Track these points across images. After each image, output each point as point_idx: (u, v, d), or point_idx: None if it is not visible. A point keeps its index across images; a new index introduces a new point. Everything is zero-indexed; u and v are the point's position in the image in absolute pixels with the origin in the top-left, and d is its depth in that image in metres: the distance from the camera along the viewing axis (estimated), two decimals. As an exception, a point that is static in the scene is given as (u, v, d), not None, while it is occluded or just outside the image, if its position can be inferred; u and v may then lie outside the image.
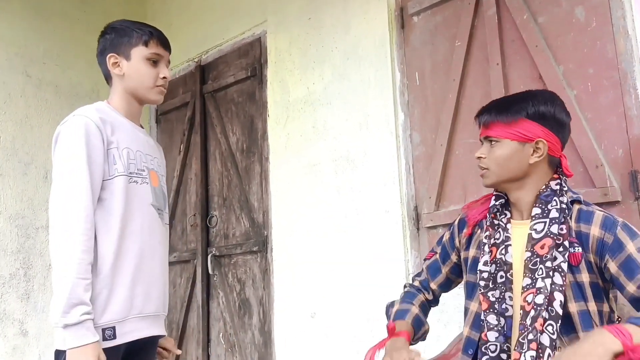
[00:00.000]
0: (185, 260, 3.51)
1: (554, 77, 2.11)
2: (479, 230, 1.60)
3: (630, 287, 1.36)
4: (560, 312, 1.39)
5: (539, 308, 1.40)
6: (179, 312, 3.48)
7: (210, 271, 3.37)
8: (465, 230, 1.65)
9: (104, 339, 1.52)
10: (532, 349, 1.38)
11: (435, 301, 1.76)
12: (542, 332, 1.39)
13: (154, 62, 1.73)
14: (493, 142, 1.52)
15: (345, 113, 2.77)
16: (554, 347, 1.38)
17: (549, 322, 1.39)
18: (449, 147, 2.40)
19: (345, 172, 2.73)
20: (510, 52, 2.26)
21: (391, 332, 1.64)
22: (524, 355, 1.38)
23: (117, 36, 1.72)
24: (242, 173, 3.35)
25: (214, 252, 3.38)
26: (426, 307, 1.74)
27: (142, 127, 1.78)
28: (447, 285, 1.74)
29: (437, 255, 1.74)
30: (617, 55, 2.00)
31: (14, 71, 3.42)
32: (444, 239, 1.73)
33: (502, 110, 1.52)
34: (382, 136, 2.60)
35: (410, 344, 1.61)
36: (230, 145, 3.43)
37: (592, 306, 1.42)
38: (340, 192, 2.74)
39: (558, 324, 1.39)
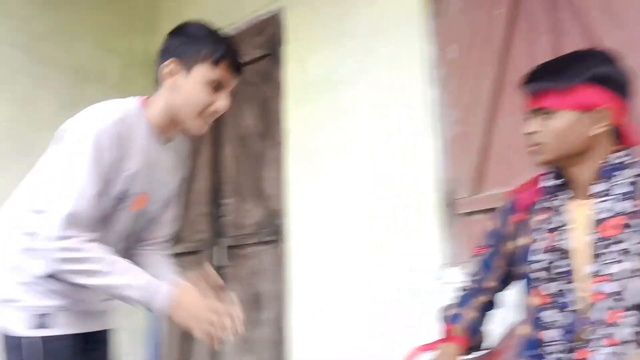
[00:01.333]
0: (194, 251, 3.34)
1: (613, 44, 1.92)
2: (531, 216, 1.44)
3: None
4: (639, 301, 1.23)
5: (610, 298, 1.25)
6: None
7: (222, 263, 3.20)
8: (515, 217, 1.48)
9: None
10: (606, 346, 1.23)
11: (496, 301, 1.60)
12: (616, 325, 1.23)
13: (216, 88, 1.45)
14: (547, 114, 1.34)
15: (371, 91, 2.61)
16: (634, 343, 1.22)
17: (624, 313, 1.24)
18: (489, 125, 2.22)
19: (372, 155, 2.56)
20: (561, 19, 2.08)
21: (446, 334, 1.55)
22: (597, 353, 1.23)
23: (186, 42, 1.46)
24: (255, 158, 3.19)
25: (226, 242, 3.21)
26: (486, 309, 1.59)
27: (170, 141, 1.55)
28: (505, 281, 1.57)
29: (488, 249, 1.57)
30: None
31: (15, 47, 3.26)
32: (491, 230, 1.57)
33: (554, 76, 1.34)
34: (413, 115, 2.44)
35: (468, 352, 1.52)
36: (244, 129, 3.26)
37: None
38: (366, 176, 2.57)
39: (637, 316, 1.23)
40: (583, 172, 1.35)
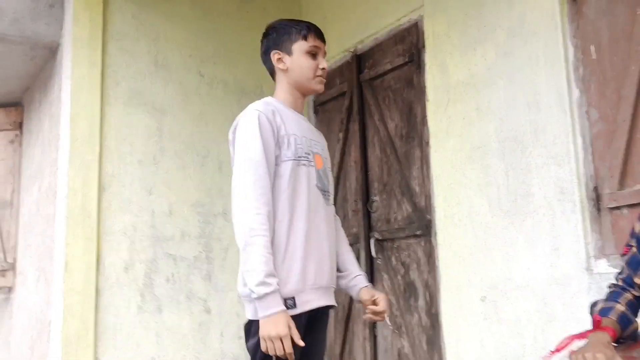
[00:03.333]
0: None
1: None
2: None
3: None
4: None
5: None
6: (343, 294, 3.60)
7: (373, 254, 3.46)
8: None
9: (287, 307, 1.67)
10: None
11: None
12: None
13: (313, 54, 1.87)
14: None
15: (511, 93, 2.70)
16: None
17: None
18: (633, 123, 2.25)
19: (514, 154, 2.66)
20: None
21: (596, 325, 1.60)
22: None
23: (278, 35, 1.89)
24: (401, 158, 3.39)
25: (376, 236, 3.46)
26: (634, 304, 1.64)
27: (304, 116, 1.92)
28: None
29: (635, 248, 1.63)
30: None
31: (189, 71, 3.75)
32: (636, 230, 1.63)
33: None
34: (554, 114, 2.50)
35: (617, 342, 1.55)
36: (389, 132, 3.49)
37: None
38: (509, 174, 2.68)
39: None
40: None
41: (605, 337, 1.52)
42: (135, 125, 3.52)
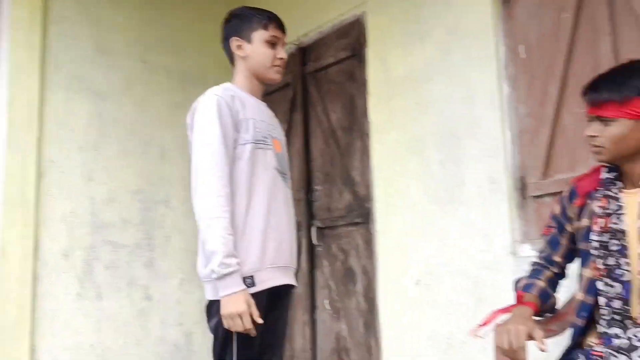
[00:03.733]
0: (291, 232, 3.70)
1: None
2: (590, 201, 1.64)
3: None
4: None
5: None
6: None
7: (314, 242, 3.56)
8: (576, 201, 1.68)
9: (246, 286, 1.72)
10: None
11: (562, 274, 1.80)
12: None
13: (273, 44, 1.91)
14: (605, 121, 1.53)
15: (448, 88, 2.85)
16: None
17: None
18: (556, 118, 2.44)
19: (450, 146, 2.82)
20: (621, 22, 2.27)
21: (519, 300, 1.72)
22: None
23: (239, 22, 1.93)
24: (343, 149, 3.50)
25: (317, 224, 3.57)
26: (553, 281, 1.79)
27: (263, 102, 1.98)
28: (570, 256, 1.77)
29: (554, 229, 1.78)
30: None
31: (132, 58, 3.72)
32: (556, 213, 1.77)
33: (614, 89, 1.51)
34: (486, 110, 2.67)
35: (538, 315, 1.69)
36: (331, 123, 3.59)
37: None
38: (445, 165, 2.84)
39: None
40: (634, 167, 1.56)
41: (527, 310, 1.65)
42: (76, 111, 3.47)
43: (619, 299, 1.52)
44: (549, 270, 1.79)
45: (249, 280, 1.74)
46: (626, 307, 1.51)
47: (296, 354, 3.63)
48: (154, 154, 3.72)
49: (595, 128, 1.56)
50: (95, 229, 3.44)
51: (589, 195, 1.66)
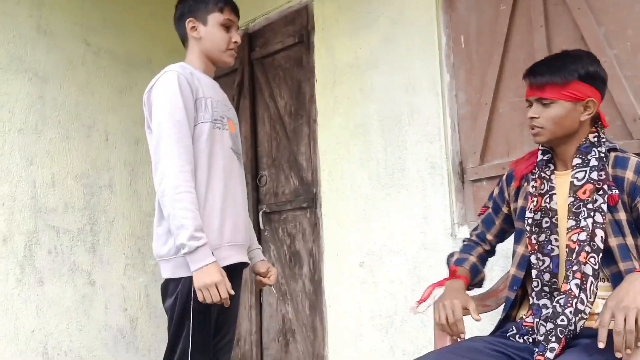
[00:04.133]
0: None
1: (595, 37, 2.26)
2: (526, 183, 1.75)
3: None
4: (602, 246, 1.55)
5: (582, 244, 1.56)
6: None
7: (261, 227, 3.60)
8: (513, 184, 1.80)
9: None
10: (577, 278, 1.54)
11: (492, 252, 1.93)
12: (585, 263, 1.54)
13: (227, 27, 1.92)
14: (547, 103, 1.62)
15: (391, 76, 2.93)
16: (596, 277, 1.55)
17: (591, 254, 1.55)
18: (493, 106, 2.56)
19: (392, 132, 2.91)
20: (553, 15, 2.40)
21: (452, 274, 1.82)
22: (570, 284, 1.55)
23: (195, 3, 1.92)
24: (290, 135, 3.55)
25: (264, 209, 3.61)
26: (483, 257, 1.91)
27: (216, 83, 1.99)
28: (501, 236, 1.90)
29: (490, 210, 1.89)
30: (656, 17, 2.13)
31: (74, 39, 3.63)
32: (494, 194, 1.88)
33: (555, 72, 1.61)
34: (427, 97, 2.77)
35: (468, 289, 1.80)
36: (279, 109, 3.63)
37: (630, 240, 1.58)
38: (387, 150, 2.92)
39: (599, 257, 1.55)
40: (568, 149, 1.66)
41: (460, 284, 1.76)
42: (15, 93, 3.37)
43: (548, 272, 1.63)
44: (481, 247, 1.91)
45: None
46: (554, 279, 1.62)
47: (242, 336, 3.67)
48: (98, 138, 3.66)
49: (535, 110, 1.65)
50: (37, 213, 3.36)
51: (525, 178, 1.77)
